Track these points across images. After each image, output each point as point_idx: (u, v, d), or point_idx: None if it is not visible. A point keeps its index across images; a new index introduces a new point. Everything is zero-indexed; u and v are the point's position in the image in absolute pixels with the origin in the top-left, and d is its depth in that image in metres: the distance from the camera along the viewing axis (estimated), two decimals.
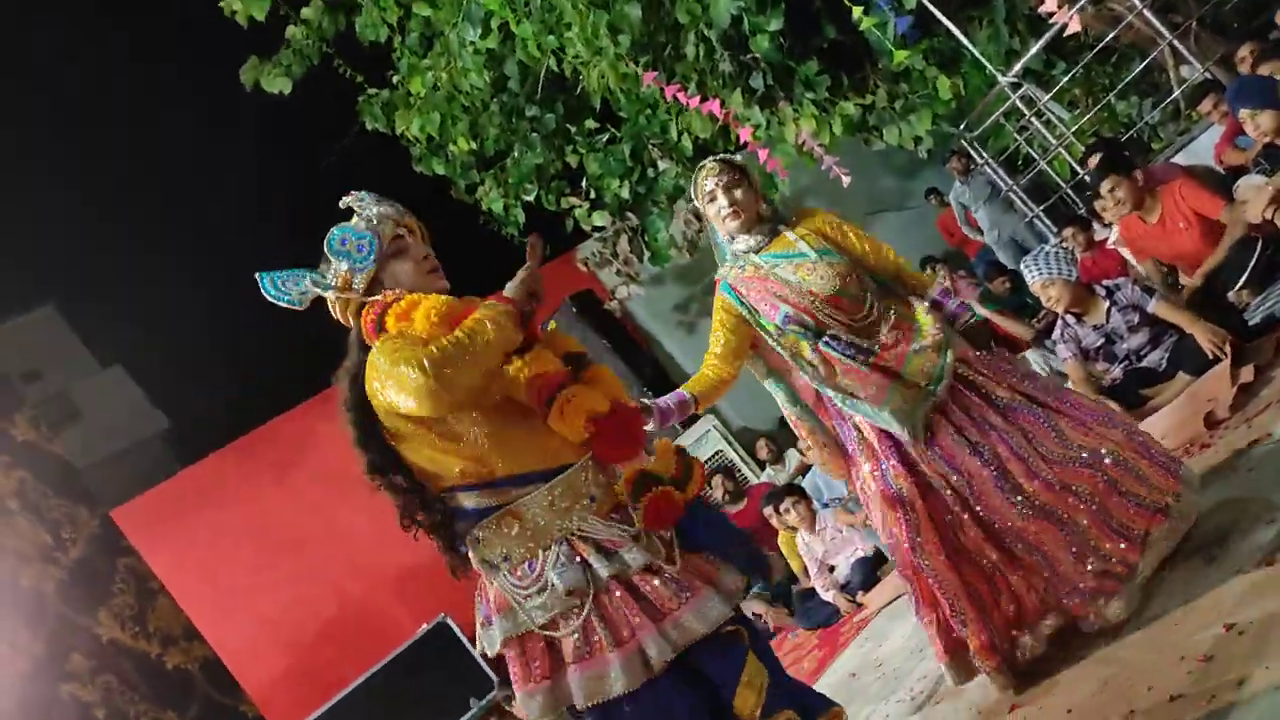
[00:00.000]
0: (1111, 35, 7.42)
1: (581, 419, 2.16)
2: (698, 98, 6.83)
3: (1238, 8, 7.63)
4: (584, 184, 8.60)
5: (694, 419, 9.39)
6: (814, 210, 3.30)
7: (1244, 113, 5.07)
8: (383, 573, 8.33)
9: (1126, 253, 5.94)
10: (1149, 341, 4.91)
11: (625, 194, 8.48)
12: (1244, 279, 4.91)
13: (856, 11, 6.18)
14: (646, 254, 9.11)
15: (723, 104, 6.90)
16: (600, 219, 8.66)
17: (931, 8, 7.02)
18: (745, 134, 6.73)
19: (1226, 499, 3.19)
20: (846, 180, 6.32)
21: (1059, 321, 5.18)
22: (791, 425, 3.48)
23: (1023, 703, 2.99)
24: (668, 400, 3.15)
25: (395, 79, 8.24)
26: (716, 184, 3.20)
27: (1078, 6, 6.31)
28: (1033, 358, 5.83)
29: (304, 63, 8.04)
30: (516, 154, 8.51)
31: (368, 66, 8.34)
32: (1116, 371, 5.00)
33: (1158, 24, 6.96)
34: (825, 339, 3.15)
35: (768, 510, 6.45)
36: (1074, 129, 8.25)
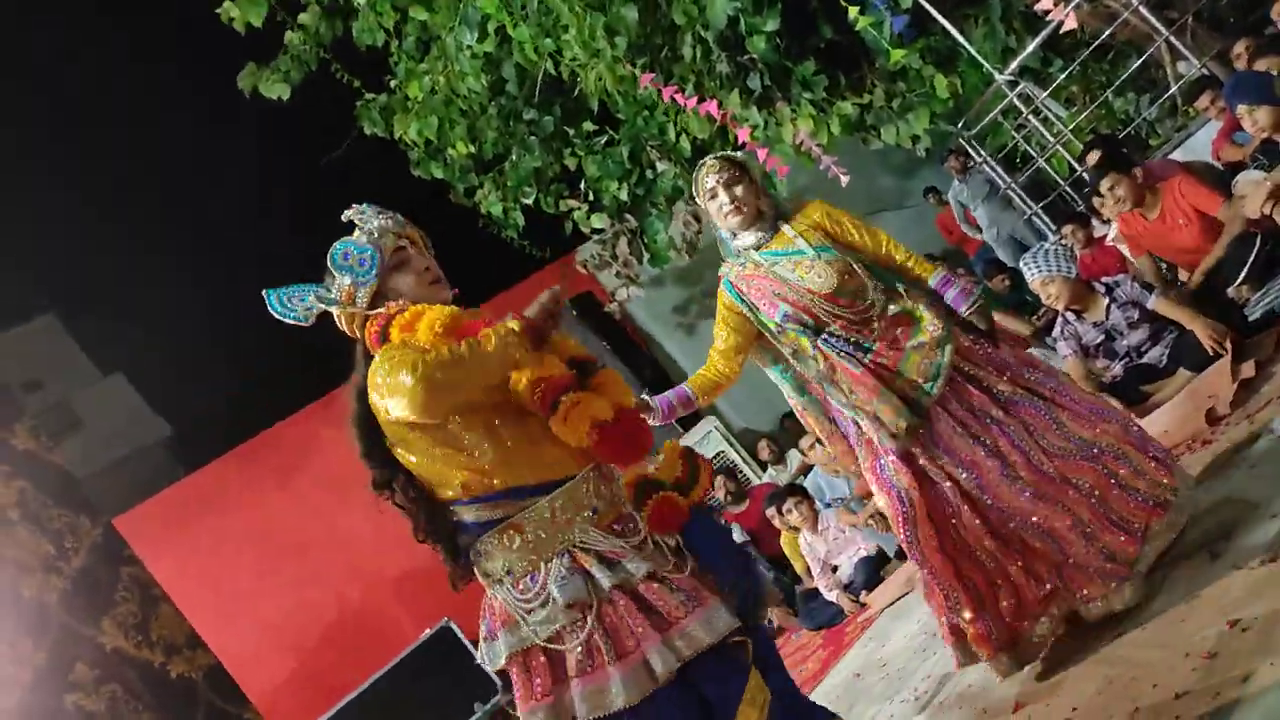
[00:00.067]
0: (1108, 32, 7.41)
1: (585, 425, 2.15)
2: (695, 99, 6.83)
3: (1234, 3, 7.63)
4: (583, 186, 8.59)
5: (695, 419, 9.40)
6: (813, 202, 3.30)
7: (1241, 108, 5.06)
8: (386, 577, 8.33)
9: (1125, 249, 5.94)
10: (1149, 338, 4.91)
11: (624, 196, 8.48)
12: (1243, 274, 4.90)
13: (853, 11, 6.18)
14: (646, 256, 9.10)
15: (720, 105, 6.91)
16: (599, 221, 8.65)
17: (927, 6, 7.03)
18: (743, 134, 6.73)
19: (1229, 495, 3.19)
20: (845, 180, 6.33)
21: (1059, 319, 5.18)
22: (798, 415, 3.49)
23: (1027, 701, 2.99)
24: (669, 397, 3.24)
25: (393, 83, 8.24)
26: (717, 181, 3.22)
27: (1074, 4, 6.30)
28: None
29: (302, 68, 8.05)
30: (515, 157, 8.51)
31: (365, 71, 8.34)
32: (1117, 368, 5.00)
33: (1154, 20, 6.95)
34: (824, 336, 3.18)
35: (770, 511, 6.46)
36: (1072, 126, 8.25)
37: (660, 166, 8.39)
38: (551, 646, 2.14)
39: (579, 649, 2.12)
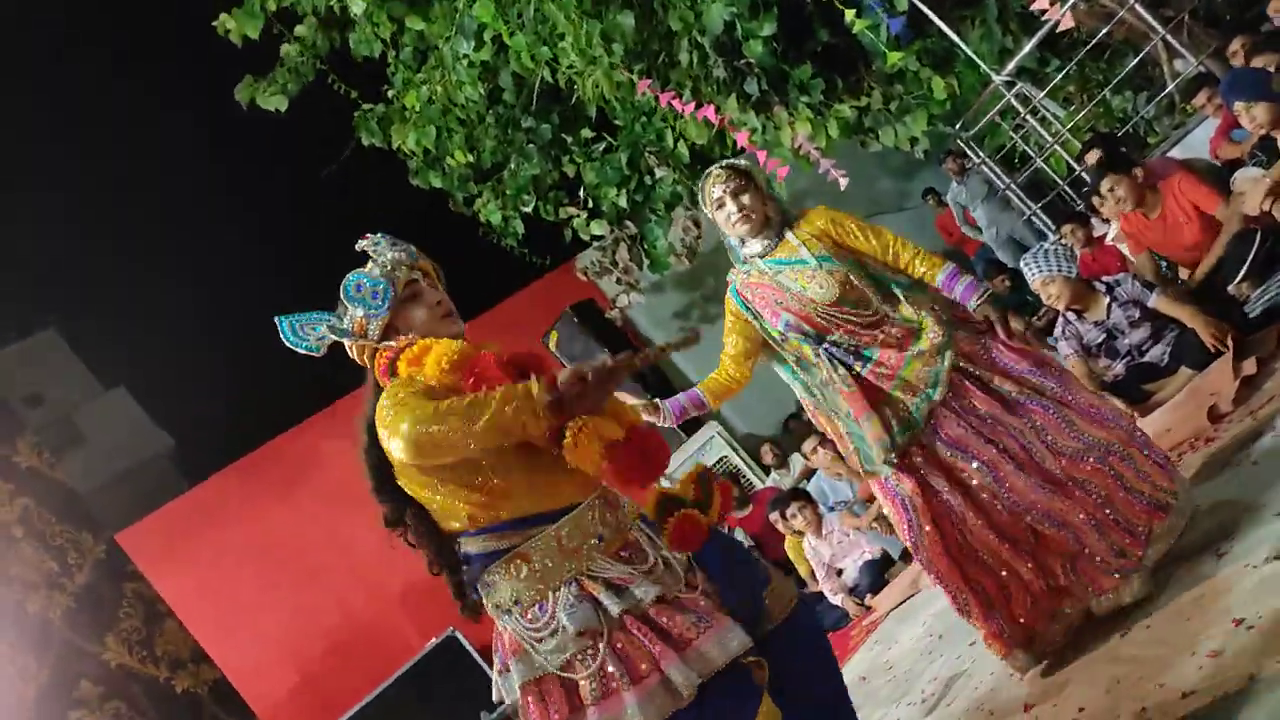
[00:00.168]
0: (1104, 31, 7.42)
1: (597, 447, 2.09)
2: (693, 104, 6.83)
3: (1230, 0, 7.63)
4: (581, 193, 8.59)
5: (698, 424, 9.39)
6: (818, 209, 3.31)
7: (1238, 105, 5.06)
8: (390, 588, 8.32)
9: (1124, 248, 5.94)
10: (1150, 336, 4.91)
11: (623, 202, 8.48)
12: (1244, 272, 4.90)
13: (849, 14, 6.18)
14: (646, 262, 9.10)
15: (718, 110, 6.91)
16: (599, 228, 8.65)
17: (923, 8, 7.03)
18: (742, 138, 6.73)
19: (1233, 494, 3.19)
20: (844, 183, 6.33)
21: (1060, 319, 5.18)
22: (810, 415, 3.50)
23: (1035, 702, 2.98)
24: (680, 399, 3.31)
25: (390, 94, 8.25)
26: (724, 190, 3.23)
27: (1070, 4, 6.31)
28: None
29: (299, 80, 8.05)
30: (513, 165, 8.51)
31: (363, 82, 8.35)
32: (1119, 367, 4.99)
33: (1150, 19, 6.95)
34: (825, 345, 3.21)
35: (774, 516, 6.45)
36: (1070, 125, 8.25)
37: (659, 172, 8.39)
38: (564, 675, 2.12)
39: (592, 677, 2.09)
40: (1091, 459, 3.04)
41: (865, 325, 3.19)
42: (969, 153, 9.01)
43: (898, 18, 6.78)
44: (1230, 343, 4.42)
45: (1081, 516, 2.99)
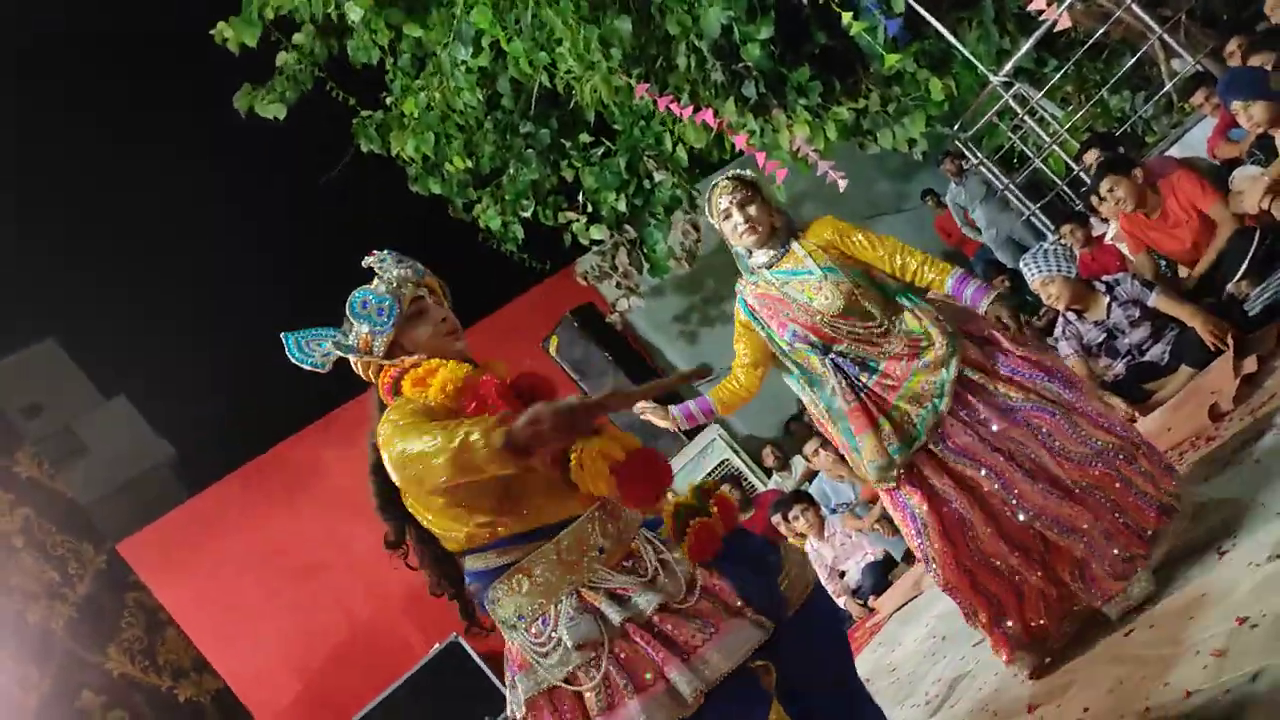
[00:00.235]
0: (1101, 31, 7.43)
1: (604, 469, 2.11)
2: (691, 108, 6.84)
3: None
4: (581, 198, 8.60)
5: (700, 427, 9.39)
6: (823, 219, 3.30)
7: (1236, 104, 5.07)
8: (393, 594, 8.30)
9: (1124, 247, 5.94)
10: (1150, 336, 4.91)
11: (622, 207, 8.48)
12: (1243, 270, 4.90)
13: (846, 17, 6.18)
14: (645, 266, 9.11)
15: (716, 113, 6.92)
16: (598, 232, 8.65)
17: (920, 10, 7.04)
18: (740, 141, 6.74)
19: (1235, 492, 3.19)
20: (843, 184, 6.33)
21: (1060, 319, 5.18)
22: (817, 425, 3.51)
23: (1040, 703, 2.98)
24: (689, 405, 3.43)
25: (389, 100, 8.25)
26: (731, 201, 3.24)
27: (1066, 4, 6.31)
28: None
29: (297, 88, 8.05)
30: (512, 171, 8.51)
31: (361, 89, 8.35)
32: (1119, 367, 5.00)
33: (1147, 18, 6.97)
34: (832, 355, 3.23)
35: (776, 518, 6.45)
36: (1068, 125, 8.26)
37: (658, 176, 8.40)
38: (571, 687, 2.12)
39: (596, 688, 2.09)
40: (1100, 464, 3.05)
41: (871, 336, 3.20)
42: (967, 154, 9.02)
43: (895, 19, 6.79)
44: (1230, 341, 4.42)
45: (1090, 523, 3.00)
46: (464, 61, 7.42)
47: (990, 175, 9.01)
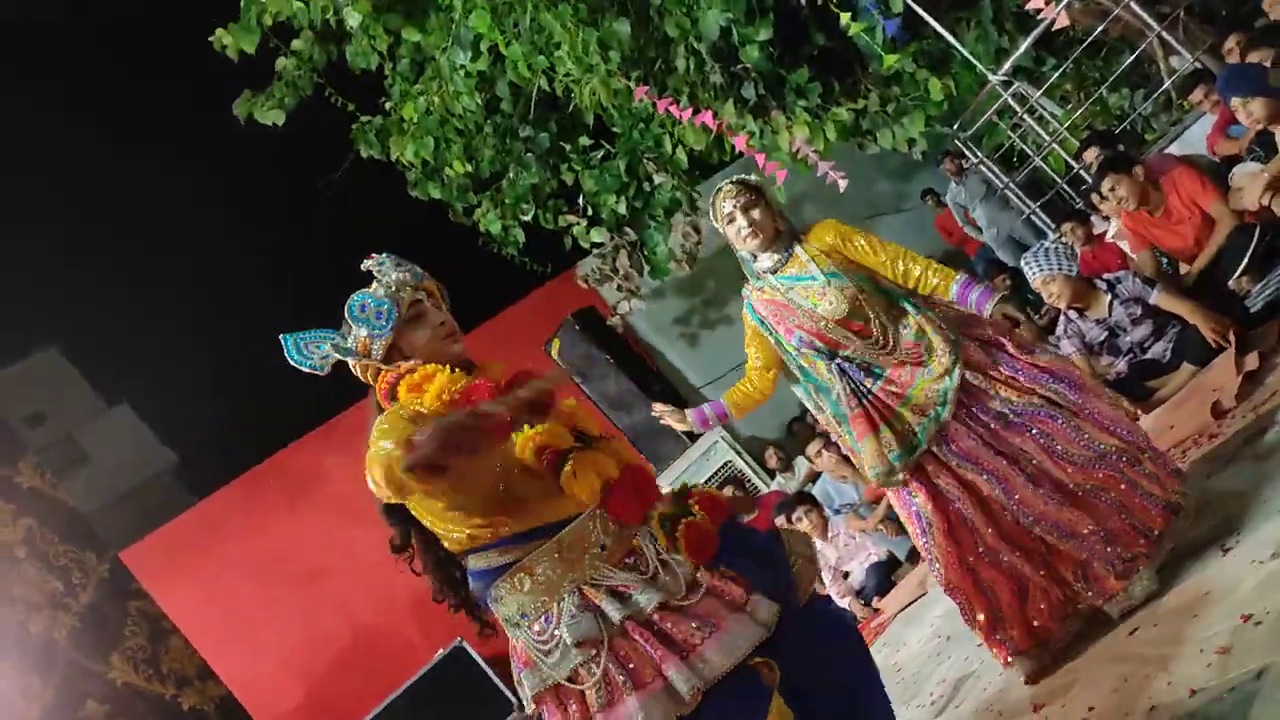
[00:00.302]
0: (1100, 29, 7.43)
1: (594, 480, 2.16)
2: (690, 110, 6.84)
3: None
4: (581, 201, 8.60)
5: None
6: (825, 223, 3.30)
7: (1235, 101, 5.06)
8: (396, 599, 8.29)
9: (1125, 245, 5.94)
10: (1152, 333, 4.90)
11: (622, 209, 8.48)
12: (1243, 266, 4.90)
13: (844, 18, 6.18)
14: (646, 268, 9.11)
15: (715, 115, 6.91)
16: (598, 235, 8.65)
17: (919, 10, 7.04)
18: (740, 143, 6.73)
19: (1238, 489, 3.18)
20: (843, 185, 6.33)
21: (1061, 317, 5.18)
22: (824, 425, 3.52)
23: (1044, 702, 2.98)
24: (704, 410, 3.53)
25: (388, 106, 8.26)
26: (734, 206, 3.25)
27: (1065, 2, 6.31)
28: None
29: (296, 94, 8.06)
30: (512, 174, 8.51)
31: (360, 94, 8.36)
32: (1121, 365, 4.99)
33: (1145, 16, 6.96)
34: (838, 360, 3.24)
35: (779, 520, 6.43)
36: (1067, 124, 8.26)
37: (658, 179, 8.40)
38: (573, 685, 2.14)
39: (596, 685, 2.11)
40: (1103, 467, 3.06)
41: (876, 342, 3.20)
42: (967, 153, 9.02)
43: (893, 19, 6.79)
44: (1232, 338, 4.41)
45: (1090, 527, 3.00)
46: (463, 66, 7.42)
47: (990, 174, 9.01)
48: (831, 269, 3.19)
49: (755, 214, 3.23)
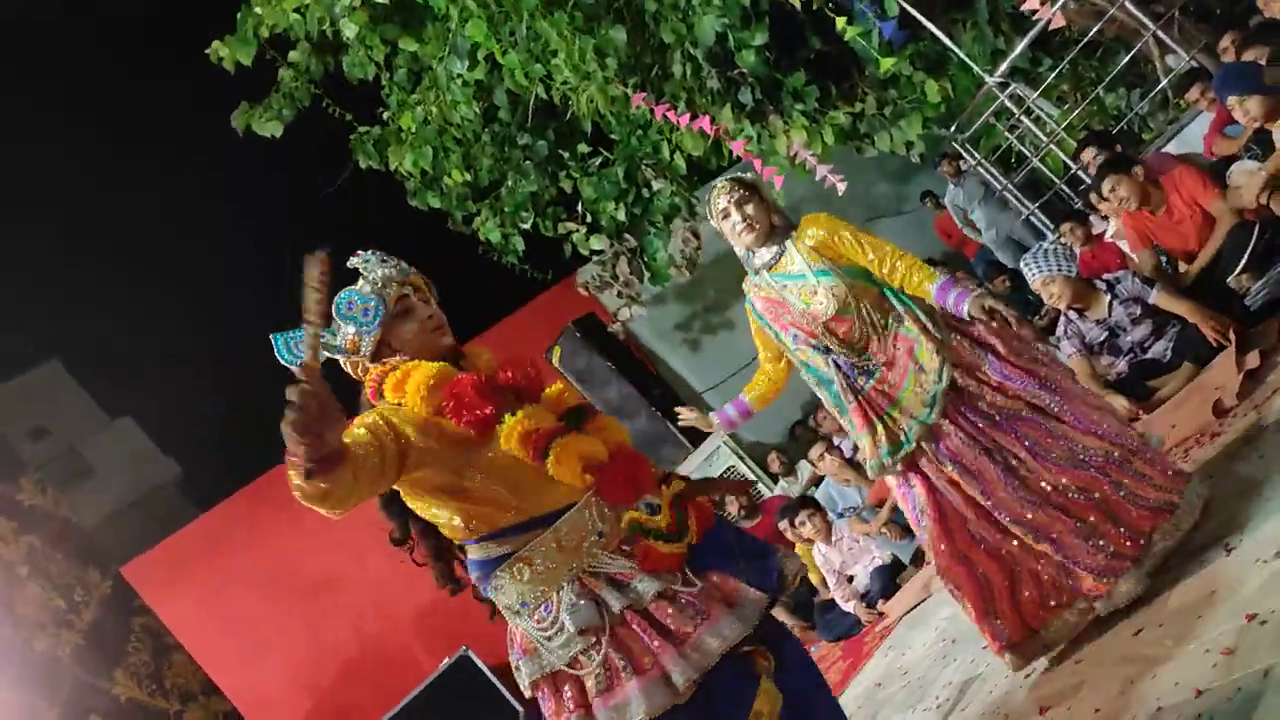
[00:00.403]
0: (1095, 29, 7.43)
1: (578, 464, 2.19)
2: (688, 116, 6.84)
3: None
4: (580, 208, 8.61)
5: (703, 433, 9.37)
6: (814, 216, 3.31)
7: (1232, 100, 5.06)
8: (401, 609, 8.28)
9: (1124, 245, 5.94)
10: (1152, 333, 4.90)
11: (621, 216, 8.50)
12: (1243, 264, 4.90)
13: (840, 21, 6.19)
14: (646, 274, 9.11)
15: (713, 120, 6.92)
16: (598, 242, 8.67)
17: (915, 13, 7.05)
18: (738, 148, 6.74)
19: (1241, 488, 3.18)
20: (842, 187, 6.33)
21: (1061, 318, 5.18)
22: (833, 414, 3.54)
23: (1050, 704, 2.97)
24: (729, 411, 3.65)
25: (386, 116, 8.26)
26: (729, 201, 3.30)
27: (1060, 3, 6.32)
28: None
29: (294, 105, 8.06)
30: (511, 183, 8.52)
31: (358, 105, 8.37)
32: (1121, 365, 4.99)
33: (1140, 15, 6.97)
34: (834, 355, 3.30)
35: (783, 524, 6.43)
36: (1064, 124, 8.26)
37: (656, 185, 8.41)
38: (572, 671, 2.20)
39: (597, 671, 2.17)
40: (1090, 469, 3.08)
41: (864, 342, 3.26)
42: (965, 155, 9.02)
43: (889, 22, 6.80)
44: (1232, 336, 4.41)
45: (1071, 526, 3.02)
46: (460, 75, 7.44)
47: (988, 176, 9.01)
48: (822, 267, 3.21)
49: (749, 209, 3.29)
